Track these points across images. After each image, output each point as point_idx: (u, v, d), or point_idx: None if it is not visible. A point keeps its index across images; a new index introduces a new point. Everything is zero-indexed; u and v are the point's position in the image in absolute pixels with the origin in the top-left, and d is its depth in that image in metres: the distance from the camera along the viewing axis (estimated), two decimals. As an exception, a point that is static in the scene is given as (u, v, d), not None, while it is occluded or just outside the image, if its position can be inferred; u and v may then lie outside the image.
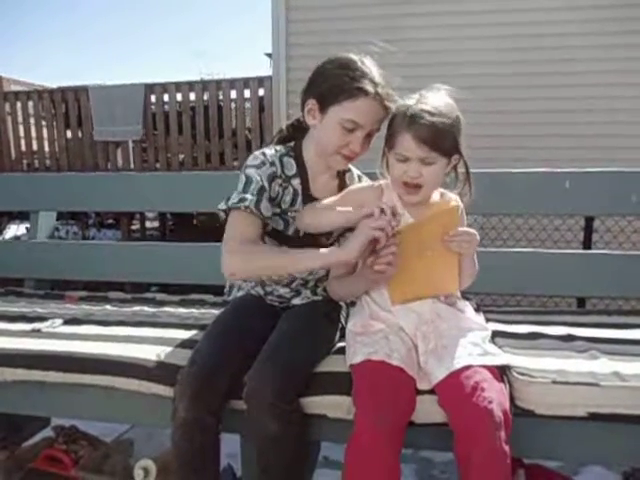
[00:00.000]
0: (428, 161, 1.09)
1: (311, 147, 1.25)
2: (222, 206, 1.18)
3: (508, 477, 0.95)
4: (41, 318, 1.49)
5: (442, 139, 1.07)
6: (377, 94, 1.13)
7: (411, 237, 1.13)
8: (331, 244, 1.27)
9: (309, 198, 1.25)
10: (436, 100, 1.10)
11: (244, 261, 1.13)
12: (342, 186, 1.28)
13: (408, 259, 1.13)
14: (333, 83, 1.15)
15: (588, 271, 1.63)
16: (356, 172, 1.33)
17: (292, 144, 1.28)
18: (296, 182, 1.25)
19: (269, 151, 1.23)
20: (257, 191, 1.15)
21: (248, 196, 1.14)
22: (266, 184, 1.17)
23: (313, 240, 1.24)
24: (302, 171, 1.25)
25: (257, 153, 1.23)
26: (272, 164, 1.21)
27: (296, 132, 1.30)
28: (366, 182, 1.31)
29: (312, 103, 1.19)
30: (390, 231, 1.07)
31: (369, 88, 1.13)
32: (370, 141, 1.20)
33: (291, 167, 1.24)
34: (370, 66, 1.17)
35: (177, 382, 1.10)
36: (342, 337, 1.24)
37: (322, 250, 1.13)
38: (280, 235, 1.26)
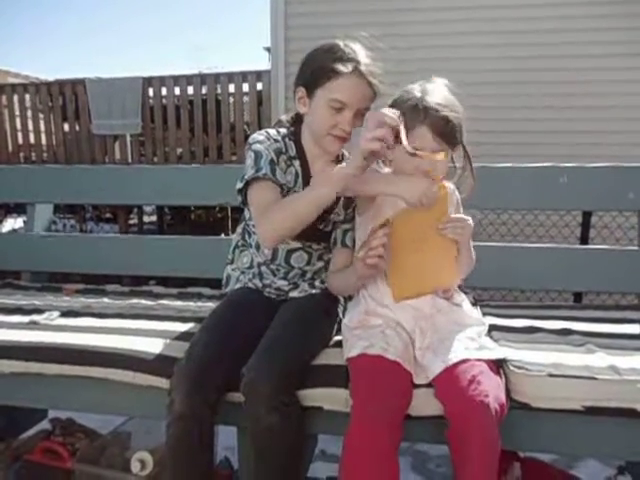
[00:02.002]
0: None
1: (306, 134, 1.27)
2: (239, 185, 1.21)
3: (496, 468, 0.96)
4: (38, 310, 1.49)
5: (455, 131, 1.10)
6: (357, 70, 1.15)
7: (403, 228, 1.12)
8: (327, 227, 1.28)
9: (308, 182, 1.23)
10: (442, 92, 1.11)
11: (270, 222, 1.13)
12: None
13: (404, 253, 1.13)
14: (316, 67, 1.18)
15: (585, 266, 1.63)
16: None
17: (292, 129, 1.30)
18: (297, 163, 1.27)
19: (272, 130, 1.27)
20: (269, 162, 1.18)
21: (262, 167, 1.17)
22: (275, 157, 1.20)
23: (310, 229, 1.20)
24: (301, 154, 1.27)
25: (260, 132, 1.26)
26: (276, 141, 1.24)
27: (295, 125, 1.30)
28: None
29: (301, 91, 1.22)
30: (391, 141, 1.03)
31: (349, 66, 1.15)
32: (362, 120, 1.17)
33: (292, 149, 1.27)
34: (353, 47, 1.18)
35: (173, 374, 1.10)
36: (339, 331, 1.24)
37: (327, 174, 1.11)
38: None
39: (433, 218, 1.12)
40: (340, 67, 1.15)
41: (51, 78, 5.80)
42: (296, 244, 1.29)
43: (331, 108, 1.17)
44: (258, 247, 1.31)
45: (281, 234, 1.15)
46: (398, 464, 0.97)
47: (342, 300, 1.32)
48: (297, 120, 1.30)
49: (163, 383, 1.14)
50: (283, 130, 1.29)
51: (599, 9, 3.54)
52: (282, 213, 1.13)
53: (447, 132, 1.08)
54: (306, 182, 1.24)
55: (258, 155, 1.19)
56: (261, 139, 1.23)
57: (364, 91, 1.17)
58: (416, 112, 1.08)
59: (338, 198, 1.22)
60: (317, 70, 1.18)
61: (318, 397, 1.09)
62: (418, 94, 1.10)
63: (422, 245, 1.14)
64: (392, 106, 1.12)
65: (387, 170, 1.21)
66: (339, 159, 1.29)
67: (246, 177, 1.18)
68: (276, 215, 1.12)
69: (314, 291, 1.32)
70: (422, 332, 1.13)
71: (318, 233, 1.28)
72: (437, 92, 1.11)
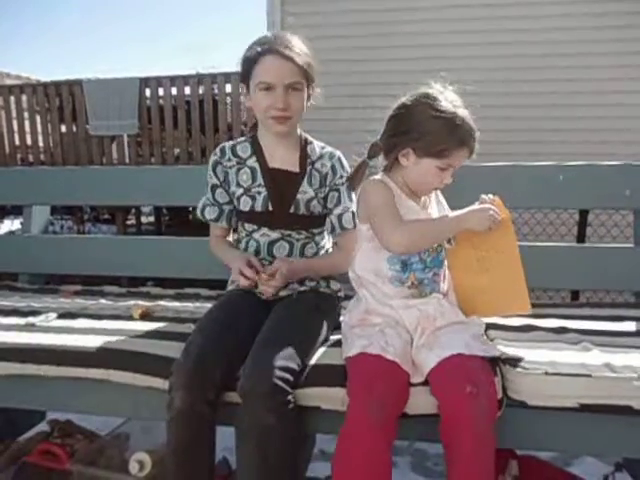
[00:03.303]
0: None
1: (262, 127, 1.35)
2: (198, 212, 1.43)
3: (491, 465, 0.97)
4: (35, 312, 1.49)
5: None
6: (271, 49, 1.23)
7: (468, 248, 1.15)
8: (298, 210, 1.33)
9: (269, 172, 1.35)
10: (462, 105, 1.12)
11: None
12: (304, 157, 1.35)
13: (470, 274, 1.15)
14: (243, 61, 1.28)
15: (582, 265, 1.64)
16: (318, 144, 1.39)
17: (251, 133, 1.41)
18: (251, 161, 1.36)
19: (219, 147, 1.41)
20: (210, 189, 1.40)
21: (205, 202, 1.41)
22: (214, 178, 1.38)
23: (283, 214, 1.32)
24: (257, 150, 1.36)
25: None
26: (214, 154, 1.39)
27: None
28: (345, 164, 1.35)
29: (242, 87, 1.32)
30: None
31: (259, 48, 1.24)
32: (299, 96, 1.26)
33: (246, 150, 1.38)
34: (267, 34, 1.29)
35: (172, 373, 1.10)
36: (337, 329, 1.25)
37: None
38: (251, 214, 1.35)
39: (495, 237, 1.13)
40: (254, 52, 1.24)
41: (48, 79, 5.78)
42: (275, 234, 1.35)
43: (261, 91, 1.24)
44: (246, 248, 1.39)
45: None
46: (391, 463, 0.98)
47: (337, 299, 1.34)
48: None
49: (162, 384, 1.14)
50: (238, 139, 1.41)
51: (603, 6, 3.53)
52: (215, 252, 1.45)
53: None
54: (265, 173, 1.34)
55: (207, 186, 1.40)
56: (208, 170, 1.40)
57: (284, 66, 1.22)
58: (453, 130, 1.08)
59: (302, 177, 1.33)
60: (244, 63, 1.28)
61: (315, 397, 1.09)
62: (448, 105, 1.09)
63: (487, 265, 1.15)
64: (418, 116, 1.10)
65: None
66: (304, 146, 1.36)
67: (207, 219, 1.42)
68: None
69: (303, 288, 1.33)
70: (422, 331, 1.13)
71: (292, 218, 1.33)
72: (466, 110, 1.11)
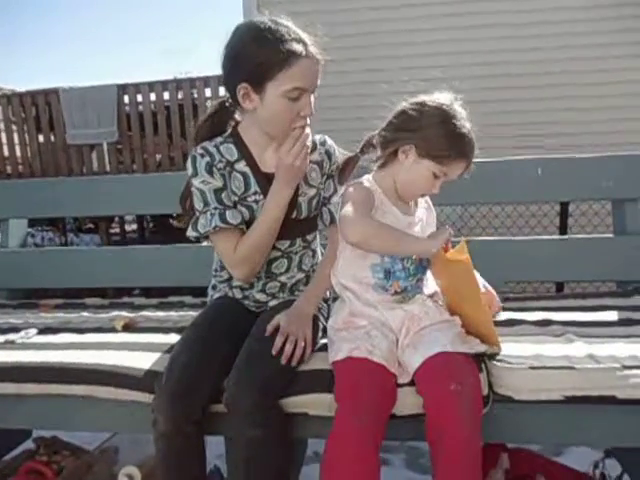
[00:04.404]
0: None
1: (252, 129, 1.20)
2: (193, 233, 1.20)
3: (478, 461, 0.97)
4: (15, 329, 1.45)
5: None
6: (307, 51, 1.09)
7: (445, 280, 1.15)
8: (300, 214, 1.25)
9: (263, 177, 1.21)
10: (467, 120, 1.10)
11: (241, 267, 1.22)
12: None
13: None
14: (257, 60, 1.08)
15: (564, 256, 1.66)
16: (315, 138, 1.26)
17: (227, 133, 1.24)
18: (240, 165, 1.21)
19: (199, 149, 1.20)
20: (213, 195, 1.17)
21: (212, 211, 1.17)
22: (215, 181, 1.18)
23: (285, 222, 1.21)
24: (246, 153, 1.21)
25: (188, 162, 1.21)
26: (202, 155, 1.18)
27: (223, 122, 1.25)
28: (337, 150, 1.29)
29: (243, 87, 1.11)
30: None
31: (298, 49, 1.08)
32: (315, 98, 1.15)
33: (232, 153, 1.21)
34: (285, 24, 1.11)
35: (155, 394, 1.08)
36: (323, 335, 1.23)
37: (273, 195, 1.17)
38: (249, 225, 1.22)
39: (459, 284, 1.12)
40: (290, 54, 1.07)
41: (23, 89, 5.68)
42: (276, 252, 1.26)
43: (289, 99, 1.10)
44: None
45: (256, 269, 1.23)
46: (379, 466, 0.97)
47: (325, 305, 1.31)
48: (221, 119, 1.24)
49: (146, 397, 1.13)
50: (216, 139, 1.22)
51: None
52: (248, 251, 1.18)
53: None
54: (259, 178, 1.21)
55: (201, 194, 1.18)
56: (191, 172, 1.19)
57: (316, 69, 1.12)
58: (460, 142, 1.08)
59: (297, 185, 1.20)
60: (263, 64, 1.07)
61: (303, 403, 1.09)
62: (462, 121, 1.08)
63: (456, 309, 1.15)
64: (432, 118, 1.08)
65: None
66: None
67: (201, 231, 1.18)
68: (246, 254, 1.18)
69: (293, 297, 1.29)
70: (407, 331, 1.13)
71: (294, 225, 1.24)
72: (469, 122, 1.09)
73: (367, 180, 1.16)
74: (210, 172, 1.18)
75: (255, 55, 1.08)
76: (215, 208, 1.17)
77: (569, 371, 1.04)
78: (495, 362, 1.08)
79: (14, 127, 5.05)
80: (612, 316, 1.34)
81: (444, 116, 1.08)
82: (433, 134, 1.07)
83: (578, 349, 1.11)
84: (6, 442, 1.64)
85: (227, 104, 1.22)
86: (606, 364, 1.05)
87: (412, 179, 1.12)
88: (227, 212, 1.18)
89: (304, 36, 1.11)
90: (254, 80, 1.10)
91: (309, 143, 1.18)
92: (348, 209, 1.06)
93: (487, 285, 1.24)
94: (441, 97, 1.11)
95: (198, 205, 1.19)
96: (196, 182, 1.18)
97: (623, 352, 1.08)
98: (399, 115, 1.12)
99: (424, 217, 1.22)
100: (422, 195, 1.18)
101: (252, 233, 1.19)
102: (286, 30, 1.10)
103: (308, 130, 1.17)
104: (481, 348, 1.09)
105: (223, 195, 1.18)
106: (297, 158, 1.13)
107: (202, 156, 1.19)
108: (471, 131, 1.09)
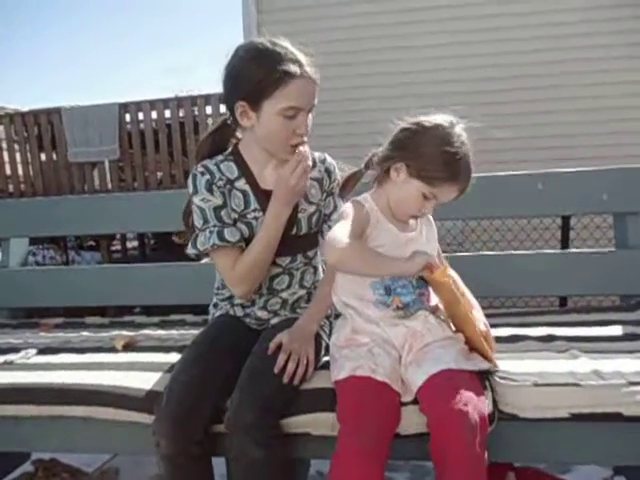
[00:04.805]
0: None
1: (252, 146, 1.22)
2: (192, 250, 1.22)
3: (481, 478, 0.95)
4: (14, 349, 1.44)
5: None
6: (303, 71, 1.11)
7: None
8: (300, 230, 1.25)
9: (263, 194, 1.22)
10: (468, 144, 1.08)
11: (240, 284, 1.22)
12: None
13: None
14: (255, 78, 1.10)
15: (566, 271, 1.65)
16: (315, 155, 1.27)
17: (228, 151, 1.26)
18: (240, 183, 1.23)
19: (199, 167, 1.23)
20: (212, 212, 1.19)
21: (211, 229, 1.18)
22: (215, 199, 1.19)
23: (285, 238, 1.21)
24: (246, 171, 1.23)
25: (189, 180, 1.23)
26: (202, 173, 1.21)
27: (224, 140, 1.27)
28: (336, 169, 1.29)
29: (241, 105, 1.14)
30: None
31: (294, 69, 1.10)
32: (311, 117, 1.17)
33: (232, 170, 1.23)
34: (282, 45, 1.13)
35: (155, 417, 1.07)
36: (326, 352, 1.22)
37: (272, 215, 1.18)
38: (249, 242, 1.22)
39: (448, 305, 1.13)
40: (286, 73, 1.09)
41: (26, 108, 5.74)
42: (276, 269, 1.26)
43: (285, 117, 1.12)
44: None
45: (255, 285, 1.23)
46: None
47: (327, 322, 1.30)
48: (222, 137, 1.26)
49: (146, 418, 1.11)
50: (217, 157, 1.24)
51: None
52: (247, 268, 1.19)
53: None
54: (259, 195, 1.22)
55: (201, 211, 1.20)
56: (191, 191, 1.21)
57: (312, 88, 1.14)
58: (453, 165, 1.05)
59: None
60: (259, 83, 1.10)
61: (305, 423, 1.07)
62: (457, 143, 1.05)
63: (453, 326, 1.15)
64: (427, 137, 1.07)
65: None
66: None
67: (200, 248, 1.20)
68: (244, 271, 1.19)
69: (294, 315, 1.28)
70: (409, 348, 1.11)
71: (294, 242, 1.24)
72: (468, 147, 1.07)
73: (364, 198, 1.16)
74: (210, 190, 1.20)
75: (252, 74, 1.11)
76: (214, 226, 1.19)
77: (574, 388, 1.03)
78: (499, 379, 1.07)
79: (16, 146, 5.10)
80: (616, 331, 1.33)
81: (437, 137, 1.06)
82: (424, 154, 1.06)
83: (583, 365, 1.10)
84: (4, 465, 1.61)
85: (228, 122, 1.24)
86: (612, 380, 1.03)
87: (402, 198, 1.11)
88: (225, 230, 1.19)
89: (301, 56, 1.13)
90: (251, 98, 1.13)
91: (310, 162, 1.19)
92: (334, 230, 1.06)
93: (487, 324, 1.18)
94: (439, 118, 1.09)
95: (198, 222, 1.20)
96: (196, 200, 1.20)
97: (629, 368, 1.07)
98: (397, 133, 1.12)
99: (424, 232, 1.21)
100: (414, 216, 1.15)
101: (251, 250, 1.19)
102: (283, 51, 1.12)
103: (307, 148, 1.19)
104: (484, 365, 1.08)
105: (222, 213, 1.20)
106: (300, 179, 1.15)
107: (202, 174, 1.20)
108: (467, 156, 1.06)
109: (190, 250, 1.22)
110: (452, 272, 1.12)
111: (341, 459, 0.95)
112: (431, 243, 1.21)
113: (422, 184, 1.07)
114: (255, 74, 1.11)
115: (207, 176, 1.20)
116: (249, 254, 1.19)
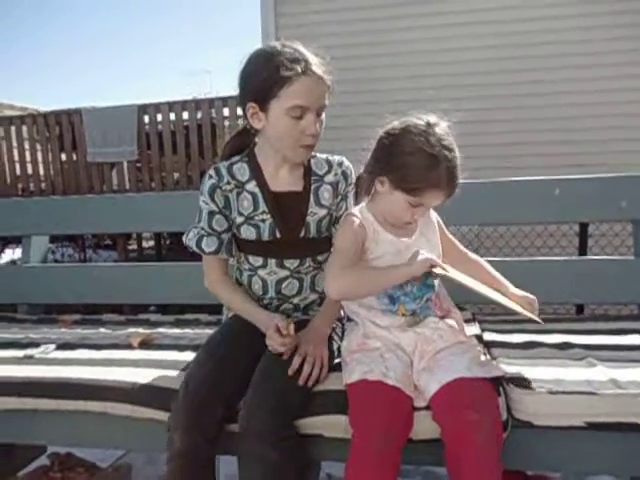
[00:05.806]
0: None
1: (265, 148, 1.23)
2: (184, 238, 1.28)
3: None
4: (34, 344, 1.48)
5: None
6: (308, 69, 1.10)
7: None
8: (308, 233, 1.24)
9: (272, 195, 1.23)
10: (455, 149, 1.04)
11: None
12: (307, 174, 1.25)
13: None
14: (261, 78, 1.11)
15: (583, 278, 1.62)
16: (321, 156, 1.28)
17: (245, 152, 1.27)
18: (251, 186, 1.23)
19: (212, 169, 1.25)
20: (206, 216, 1.23)
21: (199, 231, 1.24)
22: (212, 204, 1.23)
23: (292, 241, 1.23)
24: (257, 173, 1.24)
25: (203, 178, 1.27)
26: (210, 177, 1.23)
27: (244, 143, 1.28)
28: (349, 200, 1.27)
29: (251, 106, 1.15)
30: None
31: (298, 67, 1.09)
32: (322, 119, 1.16)
33: (244, 172, 1.24)
34: (292, 46, 1.13)
35: (171, 412, 1.08)
36: (337, 354, 1.22)
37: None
38: (256, 244, 1.24)
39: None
40: (289, 71, 1.08)
41: (48, 109, 5.86)
42: (284, 272, 1.26)
43: (291, 117, 1.11)
44: (250, 285, 1.30)
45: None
46: None
47: (339, 324, 1.30)
48: (246, 138, 1.27)
49: (161, 415, 1.13)
50: (233, 159, 1.26)
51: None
52: (219, 297, 1.31)
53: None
54: (268, 197, 1.22)
55: (200, 212, 1.25)
56: (201, 192, 1.25)
57: (320, 88, 1.12)
58: (437, 170, 1.00)
59: (307, 195, 1.23)
60: (265, 82, 1.10)
61: (317, 425, 1.08)
62: (437, 149, 1.00)
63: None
64: (399, 147, 1.03)
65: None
66: (307, 161, 1.25)
67: (190, 242, 1.25)
68: (217, 294, 1.30)
69: (306, 317, 1.29)
70: (421, 355, 1.11)
71: (302, 245, 1.24)
72: (454, 151, 1.03)
73: (359, 210, 1.15)
74: (211, 194, 1.22)
75: (259, 74, 1.12)
76: (202, 229, 1.24)
77: (591, 396, 1.02)
78: (514, 386, 1.06)
79: (38, 146, 5.21)
80: (634, 340, 1.31)
81: (409, 145, 1.01)
82: (399, 166, 1.02)
83: (599, 373, 1.08)
84: (21, 458, 1.65)
85: (247, 126, 1.25)
86: (628, 390, 1.02)
87: (390, 209, 1.09)
88: (206, 238, 1.23)
89: (309, 56, 1.12)
90: (260, 99, 1.13)
91: (315, 167, 1.24)
92: (330, 263, 1.08)
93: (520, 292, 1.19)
94: (411, 121, 1.04)
95: (197, 218, 1.26)
96: (200, 199, 1.26)
97: (646, 377, 1.05)
98: (376, 144, 1.09)
99: (424, 231, 1.17)
100: (407, 223, 1.12)
101: (234, 300, 1.28)
102: (291, 51, 1.12)
103: (317, 154, 1.22)
104: (498, 372, 1.07)
105: (215, 218, 1.23)
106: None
107: (210, 177, 1.23)
108: (447, 158, 1.01)
109: (184, 238, 1.28)
110: (450, 268, 1.08)
111: (355, 463, 0.95)
112: (432, 240, 1.18)
113: (405, 195, 1.05)
114: (260, 74, 1.11)
115: (213, 180, 1.23)
116: (231, 300, 1.29)
